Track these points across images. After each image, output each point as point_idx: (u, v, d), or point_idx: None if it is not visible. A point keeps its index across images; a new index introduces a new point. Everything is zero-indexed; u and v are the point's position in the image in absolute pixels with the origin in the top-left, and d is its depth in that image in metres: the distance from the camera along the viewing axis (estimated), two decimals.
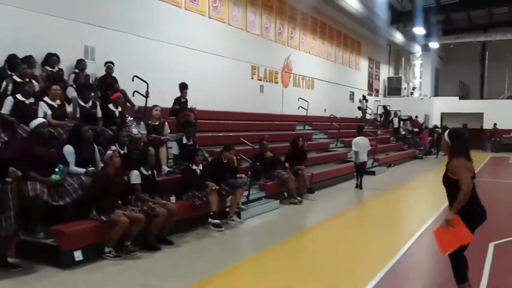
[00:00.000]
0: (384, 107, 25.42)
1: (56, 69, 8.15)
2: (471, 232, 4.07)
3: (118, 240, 5.65)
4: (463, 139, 4.32)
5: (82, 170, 6.00)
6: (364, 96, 23.53)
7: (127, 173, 6.27)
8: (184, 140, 8.11)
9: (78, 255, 5.29)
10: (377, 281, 5.01)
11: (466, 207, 4.06)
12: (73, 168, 6.01)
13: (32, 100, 6.72)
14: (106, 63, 9.05)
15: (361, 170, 12.06)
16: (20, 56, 7.47)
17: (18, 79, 7.02)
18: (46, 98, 6.84)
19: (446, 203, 4.30)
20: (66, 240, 5.20)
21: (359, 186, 12.01)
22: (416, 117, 25.62)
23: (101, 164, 6.23)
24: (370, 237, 7.21)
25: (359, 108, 23.27)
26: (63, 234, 5.21)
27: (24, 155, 5.55)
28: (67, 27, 8.85)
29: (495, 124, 27.72)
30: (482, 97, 34.38)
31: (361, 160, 11.87)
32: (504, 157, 23.14)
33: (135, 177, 6.19)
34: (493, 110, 28.55)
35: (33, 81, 7.22)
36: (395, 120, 23.43)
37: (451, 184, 4.14)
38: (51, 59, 8.06)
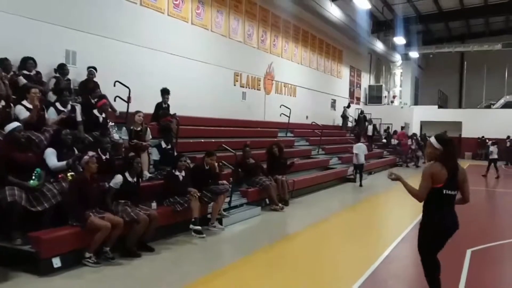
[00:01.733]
0: (361, 112, 25.51)
1: (34, 72, 7.92)
2: (444, 242, 4.10)
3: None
4: (454, 144, 4.19)
5: (63, 163, 5.98)
6: (348, 104, 23.73)
7: (110, 178, 6.20)
8: (163, 145, 8.11)
9: (56, 262, 5.21)
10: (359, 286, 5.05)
11: (431, 219, 4.10)
12: (55, 163, 5.98)
13: (3, 103, 6.49)
14: (88, 67, 8.97)
15: (360, 170, 14.28)
16: None
17: None
18: (24, 102, 6.67)
19: None
20: (44, 246, 5.11)
21: (359, 184, 14.18)
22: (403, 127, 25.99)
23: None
24: (350, 244, 7.27)
25: (344, 116, 23.22)
26: (41, 240, 5.12)
27: (1, 160, 5.45)
28: (48, 31, 8.74)
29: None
30: (460, 106, 35.08)
31: (361, 161, 14.20)
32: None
33: (115, 180, 6.14)
34: (471, 119, 29.17)
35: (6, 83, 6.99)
36: (370, 128, 23.62)
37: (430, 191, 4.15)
38: (28, 62, 7.82)
